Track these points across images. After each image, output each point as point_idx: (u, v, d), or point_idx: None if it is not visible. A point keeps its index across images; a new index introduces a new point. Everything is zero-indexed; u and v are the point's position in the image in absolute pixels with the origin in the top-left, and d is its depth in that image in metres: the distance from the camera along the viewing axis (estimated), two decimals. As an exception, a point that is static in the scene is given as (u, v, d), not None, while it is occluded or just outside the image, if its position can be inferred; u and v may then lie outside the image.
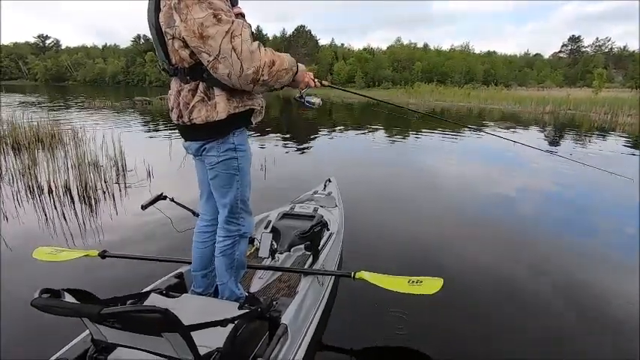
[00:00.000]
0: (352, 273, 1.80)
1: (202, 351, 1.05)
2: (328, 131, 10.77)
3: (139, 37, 74.78)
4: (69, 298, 1.02)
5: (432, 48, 57.75)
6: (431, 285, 1.65)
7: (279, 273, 2.07)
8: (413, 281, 1.69)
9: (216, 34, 1.17)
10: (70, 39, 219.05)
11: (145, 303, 1.43)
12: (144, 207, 2.01)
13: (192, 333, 0.99)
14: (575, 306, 2.34)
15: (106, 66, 69.87)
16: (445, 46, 61.78)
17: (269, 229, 2.41)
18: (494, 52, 59.52)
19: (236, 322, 1.20)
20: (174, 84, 1.40)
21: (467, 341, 1.99)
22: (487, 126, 12.57)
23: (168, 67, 1.37)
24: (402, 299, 1.85)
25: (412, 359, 1.88)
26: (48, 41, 78.51)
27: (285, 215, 2.65)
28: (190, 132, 1.42)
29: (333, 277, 2.20)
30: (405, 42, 58.01)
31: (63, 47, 78.72)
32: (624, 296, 2.44)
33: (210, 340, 1.14)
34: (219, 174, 1.46)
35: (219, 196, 1.52)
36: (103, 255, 1.95)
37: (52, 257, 1.96)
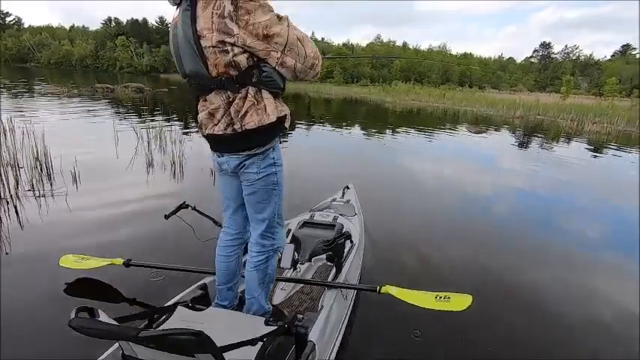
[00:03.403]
0: (378, 287, 1.75)
1: None
2: (320, 126, 10.52)
3: (109, 19, 71.29)
4: (103, 317, 1.04)
5: (410, 47, 58.41)
6: (459, 301, 1.58)
7: (302, 285, 2.02)
8: (440, 297, 1.63)
9: (281, 31, 1.27)
10: (33, 17, 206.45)
11: (173, 317, 1.46)
12: (167, 216, 2.00)
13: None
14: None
15: (72, 48, 66.10)
16: (424, 46, 62.52)
17: (289, 239, 2.38)
18: (471, 54, 60.99)
19: (264, 340, 1.22)
20: (219, 97, 1.36)
21: None
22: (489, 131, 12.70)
23: (206, 81, 1.34)
24: (428, 315, 1.79)
25: None
26: (9, 19, 73.17)
27: (306, 224, 2.62)
28: (241, 140, 1.39)
29: (356, 290, 2.16)
30: (385, 40, 58.37)
31: (25, 26, 73.76)
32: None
33: (239, 357, 1.14)
34: (258, 190, 1.47)
35: (256, 211, 1.52)
36: (127, 264, 1.98)
37: (78, 265, 1.99)
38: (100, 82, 19.95)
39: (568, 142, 11.12)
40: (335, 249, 2.06)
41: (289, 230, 2.51)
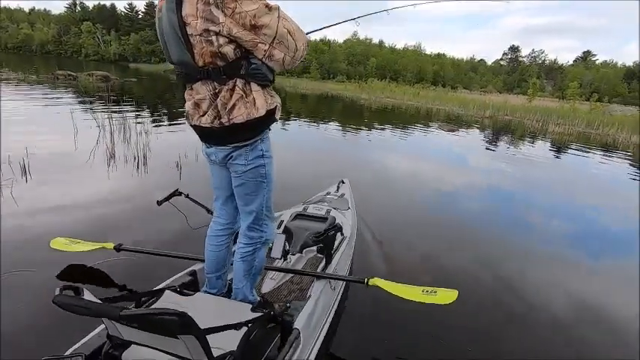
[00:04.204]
0: (365, 279, 1.79)
1: (215, 352, 1.05)
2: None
3: (74, 3, 67.40)
4: (88, 295, 1.05)
5: (386, 45, 59.08)
6: (445, 296, 1.65)
7: (291, 274, 2.04)
8: (427, 291, 1.69)
9: (270, 22, 1.21)
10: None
11: (160, 300, 1.46)
12: (159, 202, 2.01)
13: (207, 335, 1.00)
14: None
15: (32, 32, 62.03)
16: (399, 45, 63.40)
17: (281, 230, 2.39)
18: (444, 54, 62.47)
19: (249, 325, 1.23)
20: (205, 87, 1.32)
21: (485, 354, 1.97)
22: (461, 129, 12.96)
23: (193, 71, 1.29)
24: (413, 308, 1.85)
25: None
26: (-41, -3, 67.61)
27: (298, 216, 2.63)
28: (228, 134, 1.35)
29: (345, 282, 2.18)
30: (362, 37, 58.69)
31: (-22, 6, 68.43)
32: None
33: (224, 342, 1.15)
34: (247, 182, 1.45)
35: (244, 203, 1.51)
36: (118, 248, 1.99)
37: (69, 247, 2.00)
38: (61, 69, 18.75)
39: (533, 142, 11.60)
40: (325, 241, 2.07)
41: (282, 222, 2.52)
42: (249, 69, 1.28)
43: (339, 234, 2.39)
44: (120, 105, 9.83)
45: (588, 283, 2.97)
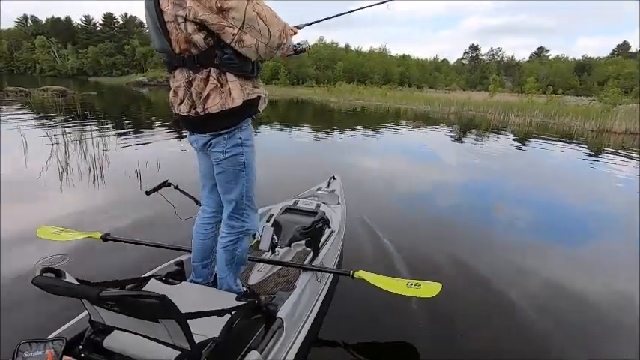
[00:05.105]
0: (351, 271, 1.81)
1: (198, 339, 1.05)
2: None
3: (25, 17, 64.18)
4: (69, 279, 1.04)
5: (353, 49, 59.95)
6: (429, 289, 1.68)
7: (279, 267, 2.06)
8: (411, 284, 1.72)
9: (238, 5, 1.17)
10: None
11: (145, 288, 1.45)
12: (148, 193, 2.01)
13: (189, 321, 0.99)
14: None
15: (-21, 49, 58.40)
16: (365, 48, 64.47)
17: (271, 223, 2.39)
18: (409, 55, 64.18)
19: (233, 313, 1.23)
20: (181, 75, 1.33)
21: (466, 341, 1.99)
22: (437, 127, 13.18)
23: (172, 58, 1.31)
24: (398, 301, 1.88)
25: (405, 358, 1.89)
26: None
27: (288, 210, 2.64)
28: (203, 123, 1.36)
29: (332, 274, 2.20)
30: (328, 41, 59.28)
31: None
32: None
33: (207, 329, 1.16)
34: (226, 170, 1.44)
35: (224, 191, 1.50)
36: (105, 238, 2.00)
37: (55, 236, 1.99)
38: (12, 85, 17.68)
39: (498, 135, 12.03)
40: (312, 234, 2.09)
41: (271, 215, 2.54)
42: (222, 58, 1.26)
43: (327, 228, 2.41)
44: (79, 119, 9.33)
45: (568, 268, 3.00)
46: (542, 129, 13.80)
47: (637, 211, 4.40)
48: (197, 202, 2.07)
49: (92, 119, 9.71)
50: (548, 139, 10.98)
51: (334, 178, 3.55)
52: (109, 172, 4.76)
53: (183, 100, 1.35)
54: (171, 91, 1.40)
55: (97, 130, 7.82)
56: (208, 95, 1.29)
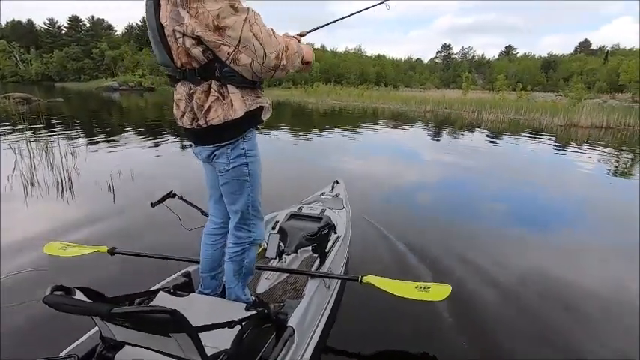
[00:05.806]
0: (359, 277, 1.78)
1: (209, 351, 1.04)
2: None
3: (-18, 21, 60.61)
4: (80, 296, 1.04)
5: (329, 50, 60.18)
6: (439, 291, 1.65)
7: (286, 274, 2.05)
8: (420, 287, 1.69)
9: (234, 24, 1.18)
10: None
11: (154, 301, 1.45)
12: (153, 205, 2.00)
13: (200, 334, 0.98)
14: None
15: None
16: (340, 49, 64.91)
17: (276, 230, 2.38)
18: (384, 55, 65.06)
19: (243, 323, 1.22)
20: (183, 88, 1.35)
21: (482, 346, 1.97)
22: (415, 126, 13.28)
23: (174, 71, 1.33)
24: (407, 305, 1.83)
25: None
26: None
27: (293, 216, 2.63)
28: (205, 135, 1.37)
29: (340, 280, 2.17)
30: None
31: None
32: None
33: (218, 341, 1.16)
34: (230, 181, 1.44)
35: (230, 202, 1.51)
36: (112, 252, 2.00)
37: (63, 252, 2.00)
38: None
39: (472, 131, 12.34)
40: (319, 240, 2.06)
41: (276, 222, 2.53)
42: (222, 71, 1.27)
43: (333, 233, 2.39)
44: (45, 128, 8.85)
45: (556, 258, 3.07)
46: (515, 125, 14.27)
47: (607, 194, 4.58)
48: (203, 213, 2.08)
49: (59, 128, 9.28)
50: (520, 135, 11.36)
51: (338, 182, 3.52)
52: (79, 184, 4.52)
53: (184, 113, 1.37)
54: (174, 104, 1.42)
55: (65, 139, 7.46)
56: (210, 107, 1.30)
